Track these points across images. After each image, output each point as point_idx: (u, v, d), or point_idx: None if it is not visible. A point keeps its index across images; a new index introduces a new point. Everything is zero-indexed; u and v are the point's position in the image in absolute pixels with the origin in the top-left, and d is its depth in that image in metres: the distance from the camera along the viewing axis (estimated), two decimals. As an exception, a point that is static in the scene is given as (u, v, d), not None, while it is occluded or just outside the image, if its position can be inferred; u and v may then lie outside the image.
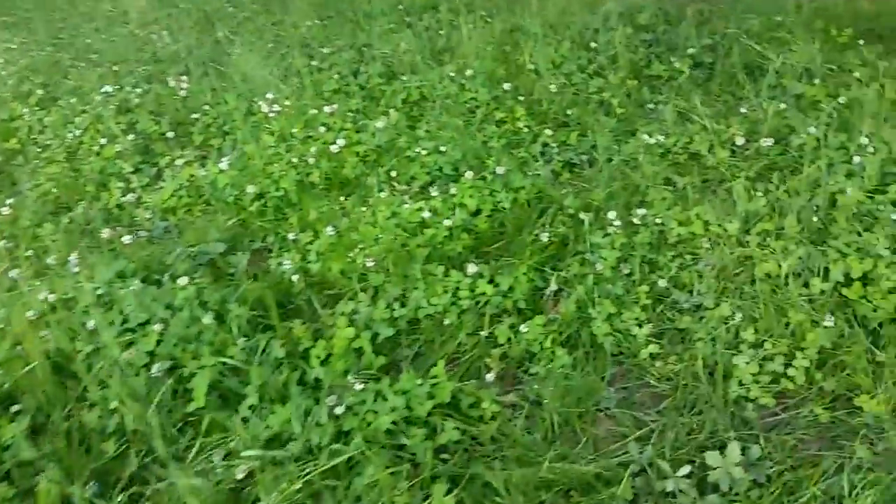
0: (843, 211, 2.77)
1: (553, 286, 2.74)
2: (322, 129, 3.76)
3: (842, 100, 3.60)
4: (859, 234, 2.65)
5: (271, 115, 3.91)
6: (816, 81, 3.81)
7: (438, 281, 2.74)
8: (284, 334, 2.53)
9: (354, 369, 2.39)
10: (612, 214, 2.89)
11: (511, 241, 3.08)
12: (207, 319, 2.54)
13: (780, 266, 2.60)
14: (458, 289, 2.68)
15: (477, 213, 3.20)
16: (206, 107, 4.24)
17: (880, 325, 2.36)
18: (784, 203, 2.93)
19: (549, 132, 3.73)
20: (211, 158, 3.86)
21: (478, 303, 2.68)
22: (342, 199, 3.39)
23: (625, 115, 3.95)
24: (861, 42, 4.29)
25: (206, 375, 2.34)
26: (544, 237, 2.98)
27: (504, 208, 3.18)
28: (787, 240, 2.71)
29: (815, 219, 2.79)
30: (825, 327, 2.29)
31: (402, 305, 2.65)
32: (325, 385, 2.29)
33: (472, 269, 2.74)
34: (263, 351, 2.43)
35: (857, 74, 3.85)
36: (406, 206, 3.11)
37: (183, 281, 2.69)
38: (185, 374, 2.41)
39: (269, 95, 4.06)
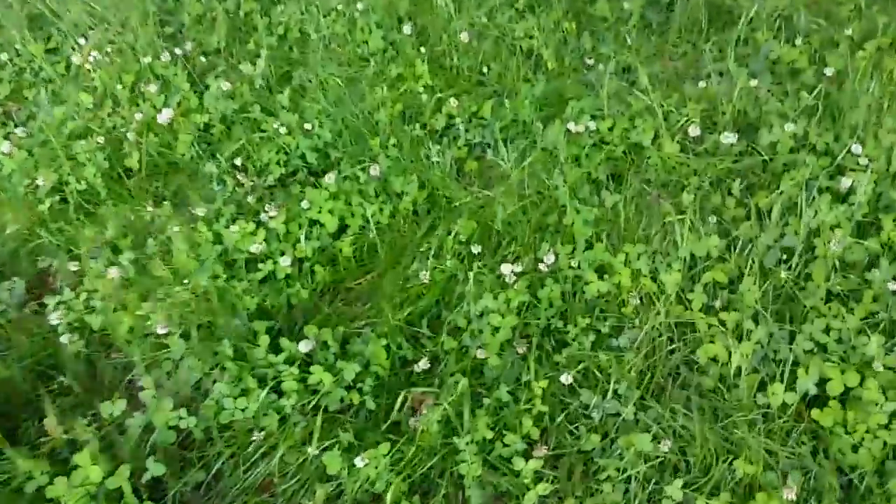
0: (823, 265, 1.97)
1: (424, 363, 1.94)
2: (153, 87, 2.77)
3: (828, 71, 2.71)
4: (842, 307, 1.86)
5: (89, 63, 2.88)
6: (798, 42, 2.89)
7: (258, 362, 1.91)
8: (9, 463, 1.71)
9: (106, 526, 1.60)
10: (506, 268, 2.04)
11: (384, 275, 2.25)
12: None
13: (729, 354, 1.82)
14: (280, 380, 1.86)
15: (341, 231, 2.33)
16: (19, 46, 3.16)
17: (862, 476, 1.61)
18: (744, 241, 2.11)
19: (454, 101, 2.79)
20: (20, 118, 2.89)
21: (313, 395, 1.87)
22: (153, 203, 2.46)
23: (558, 73, 3.01)
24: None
25: None
26: (424, 275, 2.15)
27: (378, 225, 2.32)
28: (742, 310, 1.91)
29: (783, 274, 1.98)
30: (786, 500, 1.53)
31: (193, 413, 1.82)
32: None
33: (305, 346, 1.91)
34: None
35: (848, 31, 2.94)
36: (234, 228, 2.21)
37: None
38: None
39: (91, 35, 3.00)
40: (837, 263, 1.96)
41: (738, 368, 1.80)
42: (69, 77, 2.95)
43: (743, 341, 1.82)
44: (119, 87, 2.79)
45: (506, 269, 2.02)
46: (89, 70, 2.87)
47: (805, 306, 1.89)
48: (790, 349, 1.78)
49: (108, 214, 2.39)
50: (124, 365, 2.04)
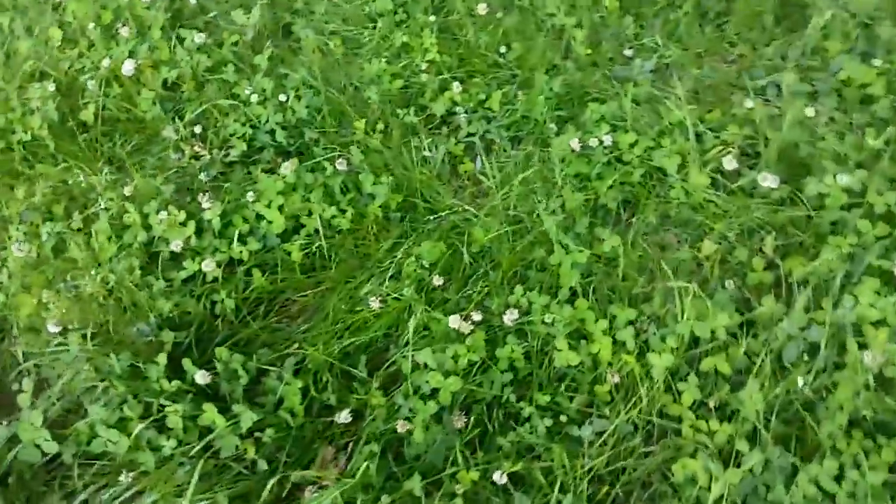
0: (851, 379, 1.47)
1: (346, 416, 1.54)
2: (126, 30, 2.33)
3: (907, 103, 2.12)
4: (866, 441, 1.38)
5: (63, -6, 2.45)
6: (876, 61, 2.27)
7: (151, 384, 1.52)
8: None
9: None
10: (454, 321, 1.58)
11: (333, 290, 1.83)
12: None
13: (711, 479, 1.37)
14: (165, 415, 1.47)
15: (294, 231, 1.90)
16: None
17: None
18: (759, 324, 1.62)
19: (458, 85, 2.29)
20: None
21: (207, 433, 1.49)
22: (108, 163, 2.07)
23: (589, 62, 2.45)
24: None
25: None
26: (375, 303, 1.72)
27: (336, 231, 1.88)
28: (739, 421, 1.44)
29: (800, 381, 1.49)
30: None
31: (62, 438, 1.46)
32: None
33: (202, 378, 1.51)
34: None
35: (942, 52, 2.30)
36: (163, 215, 1.80)
37: None
38: None
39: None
40: (871, 378, 1.46)
41: (721, 498, 1.35)
42: (45, 7, 2.52)
43: (730, 467, 1.36)
44: (92, 25, 2.35)
45: (454, 321, 1.55)
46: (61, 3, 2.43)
47: (820, 431, 1.41)
48: (788, 492, 1.31)
49: (47, 174, 2.00)
50: (23, 353, 1.70)
